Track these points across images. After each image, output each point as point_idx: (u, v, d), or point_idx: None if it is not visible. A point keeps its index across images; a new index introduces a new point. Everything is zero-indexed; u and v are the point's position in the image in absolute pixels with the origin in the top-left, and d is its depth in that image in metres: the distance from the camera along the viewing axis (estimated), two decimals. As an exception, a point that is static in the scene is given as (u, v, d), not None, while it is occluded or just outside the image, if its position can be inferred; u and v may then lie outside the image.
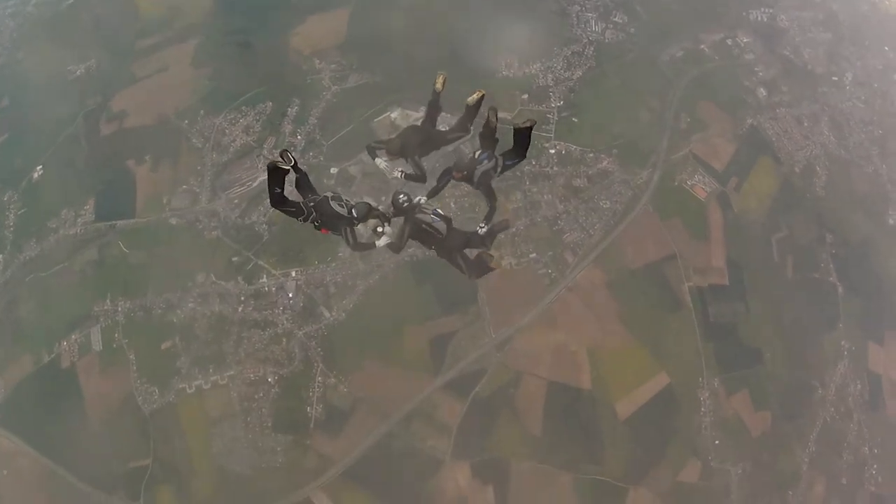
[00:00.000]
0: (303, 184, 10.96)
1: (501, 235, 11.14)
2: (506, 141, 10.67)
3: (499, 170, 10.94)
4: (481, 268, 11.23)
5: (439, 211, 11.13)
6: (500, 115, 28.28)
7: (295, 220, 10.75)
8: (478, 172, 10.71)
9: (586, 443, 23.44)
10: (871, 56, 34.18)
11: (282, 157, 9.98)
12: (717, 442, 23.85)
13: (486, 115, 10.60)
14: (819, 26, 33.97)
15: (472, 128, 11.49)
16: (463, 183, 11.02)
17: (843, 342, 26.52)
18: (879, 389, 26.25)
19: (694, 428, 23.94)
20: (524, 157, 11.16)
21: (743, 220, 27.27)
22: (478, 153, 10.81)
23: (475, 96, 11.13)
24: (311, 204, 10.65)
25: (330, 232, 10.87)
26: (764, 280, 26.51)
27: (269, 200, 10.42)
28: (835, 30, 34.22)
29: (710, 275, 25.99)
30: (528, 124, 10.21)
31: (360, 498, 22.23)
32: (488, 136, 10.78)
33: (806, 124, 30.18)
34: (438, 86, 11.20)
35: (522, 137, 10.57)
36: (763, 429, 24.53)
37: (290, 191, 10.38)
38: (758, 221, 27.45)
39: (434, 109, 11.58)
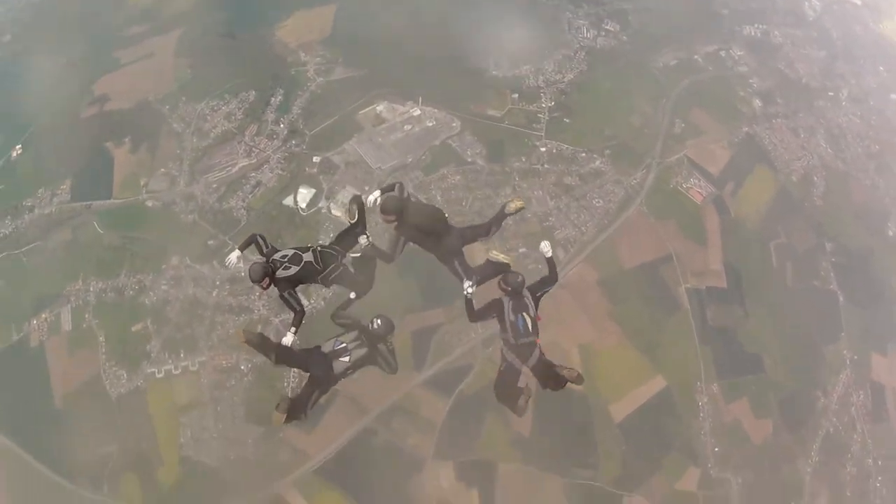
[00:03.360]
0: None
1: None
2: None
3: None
4: None
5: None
6: (490, 112, 28.12)
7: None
8: None
9: (579, 446, 22.18)
10: (866, 74, 34.43)
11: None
12: (716, 449, 22.58)
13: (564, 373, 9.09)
14: (813, 44, 34.41)
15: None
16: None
17: (845, 351, 25.58)
18: (883, 400, 25.16)
19: (693, 434, 22.71)
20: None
21: (740, 224, 26.78)
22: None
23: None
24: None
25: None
26: (763, 285, 25.78)
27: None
28: (829, 48, 34.64)
29: (707, 277, 25.28)
30: (571, 376, 8.83)
31: (335, 497, 20.88)
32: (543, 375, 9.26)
33: (802, 135, 30.07)
34: (512, 208, 9.97)
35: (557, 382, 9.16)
36: (764, 437, 23.27)
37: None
38: (755, 227, 26.96)
39: (494, 225, 10.22)
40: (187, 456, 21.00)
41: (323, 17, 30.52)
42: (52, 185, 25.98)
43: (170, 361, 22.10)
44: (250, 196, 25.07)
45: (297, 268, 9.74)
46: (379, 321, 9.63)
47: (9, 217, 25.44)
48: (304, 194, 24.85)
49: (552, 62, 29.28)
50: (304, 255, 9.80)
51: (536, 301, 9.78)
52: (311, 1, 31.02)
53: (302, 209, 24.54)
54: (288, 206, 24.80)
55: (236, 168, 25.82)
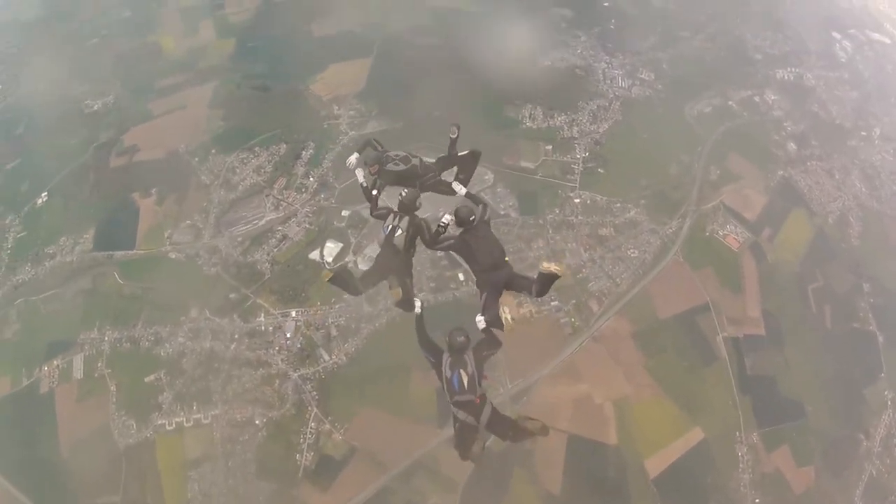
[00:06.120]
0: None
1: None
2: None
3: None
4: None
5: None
6: (524, 164, 28.26)
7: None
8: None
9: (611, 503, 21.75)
10: (897, 111, 34.36)
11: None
12: (757, 501, 22.30)
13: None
14: (845, 85, 34.56)
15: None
16: None
17: (886, 392, 25.34)
18: (925, 440, 24.66)
19: (732, 487, 22.38)
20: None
21: (778, 270, 26.73)
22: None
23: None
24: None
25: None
26: (802, 331, 25.63)
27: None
28: (861, 88, 34.77)
29: (745, 325, 25.19)
30: (535, 427, 9.11)
31: (351, 560, 20.48)
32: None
33: (837, 176, 30.15)
34: (544, 270, 9.25)
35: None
36: (806, 485, 22.88)
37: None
38: (793, 272, 26.90)
39: (537, 285, 9.62)
40: (195, 513, 20.72)
41: (358, 70, 31.16)
42: (76, 234, 26.41)
43: (181, 414, 21.94)
44: (275, 250, 25.25)
45: (406, 166, 10.91)
46: (404, 191, 10.56)
47: (29, 264, 25.90)
48: (332, 248, 25.06)
49: (587, 113, 29.67)
50: (412, 158, 11.05)
51: (480, 362, 9.44)
52: (346, 54, 31.67)
53: (328, 263, 24.45)
54: (314, 261, 24.88)
55: (263, 221, 26.10)
